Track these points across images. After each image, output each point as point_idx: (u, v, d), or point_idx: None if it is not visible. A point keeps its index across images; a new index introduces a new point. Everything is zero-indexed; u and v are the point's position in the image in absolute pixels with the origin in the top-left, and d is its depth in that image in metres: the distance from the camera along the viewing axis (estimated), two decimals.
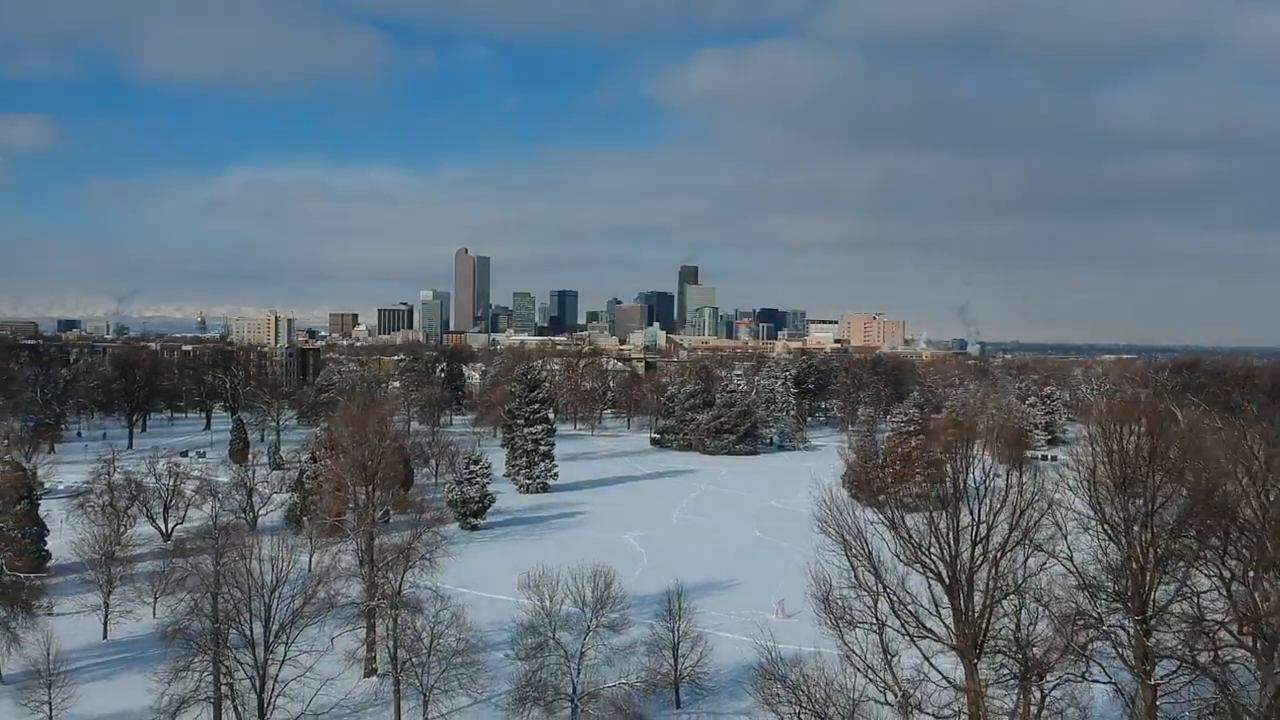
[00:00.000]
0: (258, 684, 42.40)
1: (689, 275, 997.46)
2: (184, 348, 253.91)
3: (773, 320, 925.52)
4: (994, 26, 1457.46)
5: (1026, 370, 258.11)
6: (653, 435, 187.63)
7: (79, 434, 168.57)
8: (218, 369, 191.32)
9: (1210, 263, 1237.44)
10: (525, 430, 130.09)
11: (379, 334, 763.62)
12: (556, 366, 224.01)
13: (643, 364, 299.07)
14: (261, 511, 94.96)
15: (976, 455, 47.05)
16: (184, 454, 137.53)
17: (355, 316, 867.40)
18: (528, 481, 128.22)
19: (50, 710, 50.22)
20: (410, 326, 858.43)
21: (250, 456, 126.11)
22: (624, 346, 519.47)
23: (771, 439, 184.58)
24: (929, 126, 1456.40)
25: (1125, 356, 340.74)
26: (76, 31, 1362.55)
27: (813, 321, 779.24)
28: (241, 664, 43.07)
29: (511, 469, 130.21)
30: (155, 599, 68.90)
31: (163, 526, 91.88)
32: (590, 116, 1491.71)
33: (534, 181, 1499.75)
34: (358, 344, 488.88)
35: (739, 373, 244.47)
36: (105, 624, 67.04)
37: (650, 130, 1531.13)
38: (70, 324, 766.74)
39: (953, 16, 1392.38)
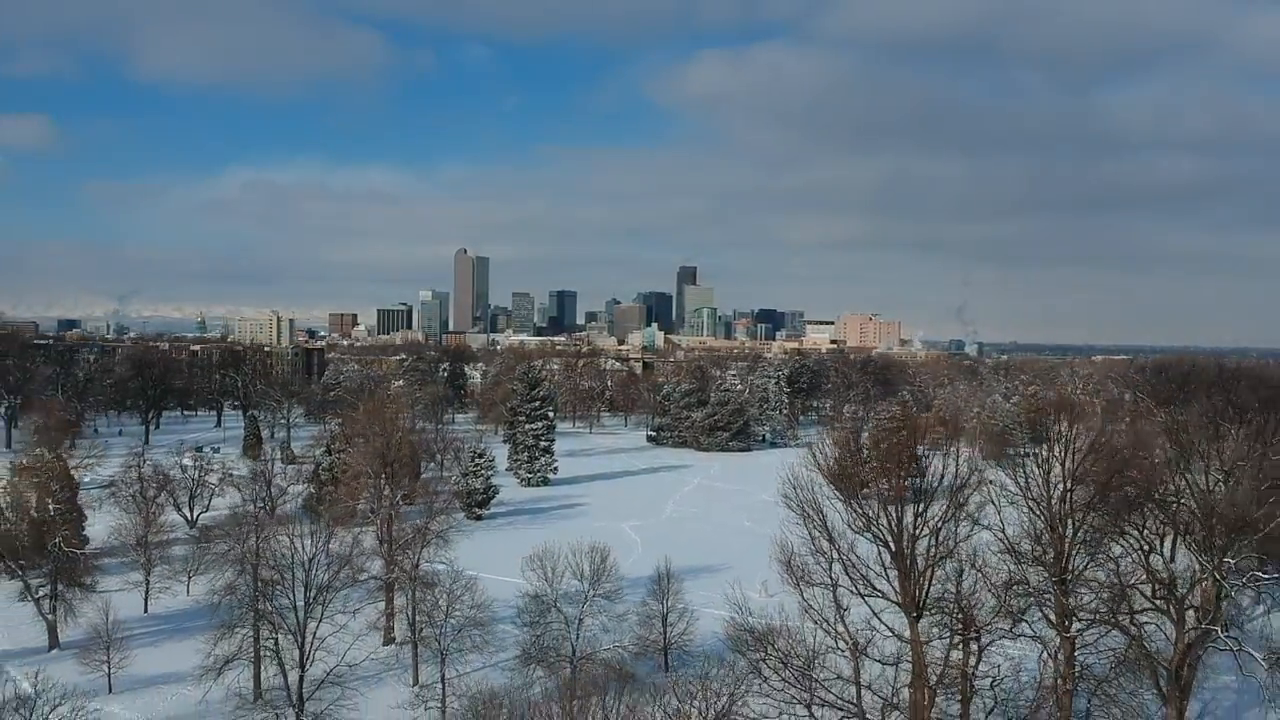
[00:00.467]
0: (300, 639, 48.64)
1: (688, 276, 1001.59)
2: (192, 348, 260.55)
3: (771, 321, 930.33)
4: (992, 28, 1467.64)
5: (1017, 370, 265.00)
6: (649, 433, 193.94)
7: (95, 430, 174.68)
8: (229, 368, 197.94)
9: (1211, 263, 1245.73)
10: (526, 427, 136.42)
11: (378, 334, 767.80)
12: (556, 366, 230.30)
13: (640, 364, 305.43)
14: (280, 501, 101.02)
15: (932, 443, 53.50)
16: (199, 449, 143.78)
17: (355, 317, 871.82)
18: (529, 475, 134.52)
19: (109, 669, 56.49)
20: (409, 327, 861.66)
21: (271, 450, 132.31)
22: (622, 347, 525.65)
23: (764, 436, 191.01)
24: (928, 127, 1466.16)
25: (1119, 357, 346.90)
26: (76, 32, 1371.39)
27: (809, 322, 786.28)
28: (284, 622, 49.30)
29: (513, 464, 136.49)
30: (189, 577, 75.58)
31: (188, 514, 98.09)
32: (590, 117, 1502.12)
33: (533, 182, 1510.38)
34: (357, 344, 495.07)
35: (734, 373, 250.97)
36: (146, 599, 73.46)
37: (650, 131, 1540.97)
38: (70, 324, 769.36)
39: (951, 18, 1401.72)
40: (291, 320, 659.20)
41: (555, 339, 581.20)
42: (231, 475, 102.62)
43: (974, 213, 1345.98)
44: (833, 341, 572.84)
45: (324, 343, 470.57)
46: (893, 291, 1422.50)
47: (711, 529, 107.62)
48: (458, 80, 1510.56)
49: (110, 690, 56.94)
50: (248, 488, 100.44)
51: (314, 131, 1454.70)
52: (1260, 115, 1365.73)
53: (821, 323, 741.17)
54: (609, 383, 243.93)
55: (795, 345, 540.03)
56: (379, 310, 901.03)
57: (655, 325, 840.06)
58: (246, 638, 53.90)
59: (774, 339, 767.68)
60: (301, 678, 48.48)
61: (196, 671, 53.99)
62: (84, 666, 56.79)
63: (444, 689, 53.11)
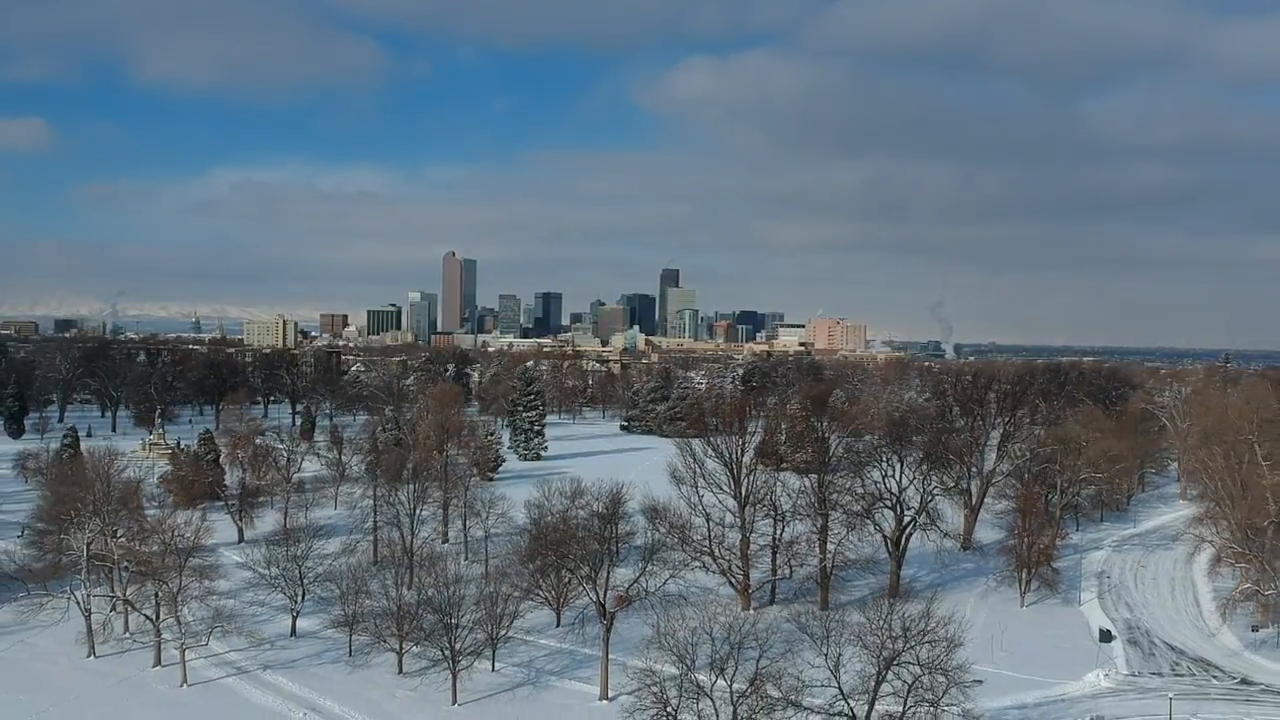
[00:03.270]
0: (412, 518, 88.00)
1: (670, 278, 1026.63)
2: (228, 350, 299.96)
3: (752, 322, 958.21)
4: (978, 39, 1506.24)
5: (941, 372, 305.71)
6: (621, 423, 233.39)
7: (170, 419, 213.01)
8: (274, 367, 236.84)
9: (1188, 266, 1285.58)
10: (524, 414, 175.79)
11: (368, 334, 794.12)
12: (545, 367, 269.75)
13: (618, 365, 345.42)
14: (348, 465, 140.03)
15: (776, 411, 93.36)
16: (262, 433, 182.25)
17: (345, 317, 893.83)
18: (526, 452, 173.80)
19: (289, 550, 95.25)
20: (398, 327, 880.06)
21: (324, 433, 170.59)
22: (605, 348, 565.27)
23: (716, 425, 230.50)
24: (913, 134, 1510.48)
25: (1071, 359, 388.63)
26: (74, 38, 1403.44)
27: (783, 325, 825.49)
28: (401, 509, 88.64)
29: (514, 443, 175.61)
30: (307, 509, 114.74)
31: (286, 474, 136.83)
32: (578, 121, 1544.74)
33: (522, 185, 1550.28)
34: (351, 345, 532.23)
35: (703, 372, 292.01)
36: (285, 516, 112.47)
37: (637, 135, 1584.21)
38: (67, 323, 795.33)
39: (937, 29, 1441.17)
40: (295, 322, 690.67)
41: (541, 340, 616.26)
42: (314, 446, 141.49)
43: (957, 217, 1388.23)
44: (801, 344, 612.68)
45: (323, 342, 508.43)
46: (874, 294, 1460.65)
47: (662, 488, 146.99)
48: (448, 84, 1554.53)
49: None
50: (325, 455, 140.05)
51: (305, 133, 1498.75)
52: (1237, 124, 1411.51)
53: (794, 325, 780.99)
54: (590, 381, 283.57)
55: (766, 347, 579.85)
56: (369, 311, 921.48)
57: (638, 327, 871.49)
58: (368, 531, 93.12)
59: (754, 340, 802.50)
60: (413, 540, 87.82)
61: (336, 550, 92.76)
62: (275, 548, 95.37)
63: (486, 552, 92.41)
